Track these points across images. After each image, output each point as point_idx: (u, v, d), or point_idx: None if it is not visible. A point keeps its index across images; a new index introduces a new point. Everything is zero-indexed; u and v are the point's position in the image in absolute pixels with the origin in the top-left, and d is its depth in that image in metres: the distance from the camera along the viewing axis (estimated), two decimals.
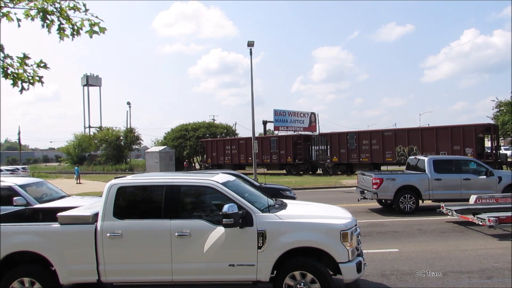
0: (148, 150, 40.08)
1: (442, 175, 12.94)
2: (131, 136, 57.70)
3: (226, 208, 4.87)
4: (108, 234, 5.10)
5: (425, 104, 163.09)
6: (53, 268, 5.19)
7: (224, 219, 4.86)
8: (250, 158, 34.79)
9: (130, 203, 5.39)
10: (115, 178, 5.72)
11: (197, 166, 48.09)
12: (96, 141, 61.38)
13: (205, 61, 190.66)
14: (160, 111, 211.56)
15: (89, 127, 74.13)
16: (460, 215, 10.21)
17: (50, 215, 6.55)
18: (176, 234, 5.05)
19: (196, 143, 45.89)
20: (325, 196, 18.34)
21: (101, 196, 11.65)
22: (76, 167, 35.69)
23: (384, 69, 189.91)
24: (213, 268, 5.03)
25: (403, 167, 17.47)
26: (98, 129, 66.76)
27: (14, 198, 8.74)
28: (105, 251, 5.10)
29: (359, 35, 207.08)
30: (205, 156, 41.38)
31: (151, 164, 36.43)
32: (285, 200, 6.32)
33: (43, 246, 5.11)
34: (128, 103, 61.38)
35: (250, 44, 22.58)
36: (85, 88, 75.69)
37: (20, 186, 9.18)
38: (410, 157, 15.31)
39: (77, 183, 32.49)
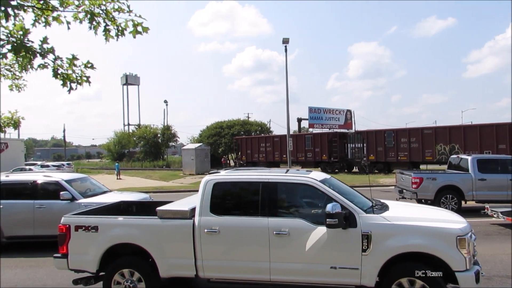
0: (184, 147, 40.40)
1: (486, 175, 12.42)
2: (168, 134, 58.90)
3: (329, 207, 4.66)
4: (205, 230, 5.09)
5: (468, 101, 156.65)
6: (150, 260, 5.29)
7: (327, 219, 4.66)
8: (284, 156, 34.63)
9: (226, 199, 5.35)
10: (209, 173, 5.66)
11: (232, 163, 48.45)
12: (135, 138, 63.13)
13: (240, 59, 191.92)
14: (196, 109, 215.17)
15: (128, 124, 76.48)
16: (506, 217, 9.75)
17: (142, 208, 6.77)
18: (274, 232, 4.93)
19: (231, 141, 46.25)
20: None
21: (139, 192, 11.96)
22: (116, 163, 36.86)
23: (424, 65, 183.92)
24: (313, 270, 4.84)
25: (444, 166, 16.88)
26: (137, 127, 68.81)
27: (61, 193, 9.18)
28: (203, 247, 5.09)
29: (397, 30, 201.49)
30: (239, 153, 41.62)
31: (187, 160, 36.87)
32: (383, 200, 5.99)
33: (144, 239, 5.21)
34: (165, 101, 62.89)
35: (285, 41, 22.48)
36: (125, 87, 78.10)
37: (66, 181, 9.61)
38: (452, 156, 14.77)
39: (117, 178, 33.53)
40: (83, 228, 5.39)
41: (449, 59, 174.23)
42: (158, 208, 5.39)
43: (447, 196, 12.50)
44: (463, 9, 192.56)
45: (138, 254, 5.32)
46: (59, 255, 5.54)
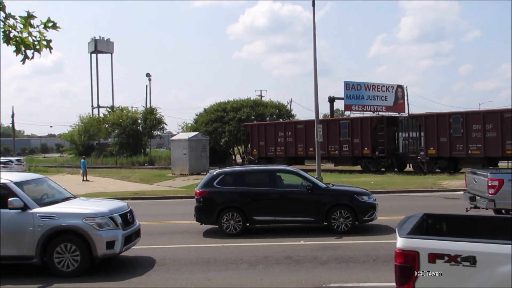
0: (173, 138, 40.18)
1: None
2: (151, 119, 59.24)
3: None
4: None
5: None
6: None
7: None
8: (311, 149, 34.60)
9: None
10: None
11: (239, 160, 48.35)
12: (107, 126, 64.05)
13: (250, 16, 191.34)
14: (190, 85, 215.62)
15: (98, 107, 77.27)
16: None
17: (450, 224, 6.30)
18: None
19: (238, 128, 46.20)
20: (417, 203, 17.96)
21: (113, 198, 11.82)
22: (83, 160, 37.08)
23: (505, 24, 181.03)
24: None
25: None
26: (110, 110, 69.50)
27: (9, 200, 9.23)
28: None
29: None
30: (249, 145, 41.60)
31: (177, 155, 36.51)
32: None
33: None
34: (148, 76, 63.14)
35: None
36: (93, 56, 78.64)
37: (16, 184, 9.69)
38: None
39: (83, 180, 33.85)
40: (447, 258, 4.51)
41: None
42: None
43: None
44: None
45: None
46: None
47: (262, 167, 15.30)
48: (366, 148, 33.95)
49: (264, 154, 39.15)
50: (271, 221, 13.11)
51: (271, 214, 12.89)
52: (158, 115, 60.43)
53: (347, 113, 43.93)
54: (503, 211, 13.15)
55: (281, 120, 46.82)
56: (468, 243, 4.58)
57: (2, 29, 4.96)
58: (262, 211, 12.90)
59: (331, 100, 47.47)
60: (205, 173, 29.94)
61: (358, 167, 35.16)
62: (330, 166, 37.77)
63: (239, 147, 49.41)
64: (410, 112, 42.15)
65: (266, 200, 12.95)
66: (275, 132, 38.81)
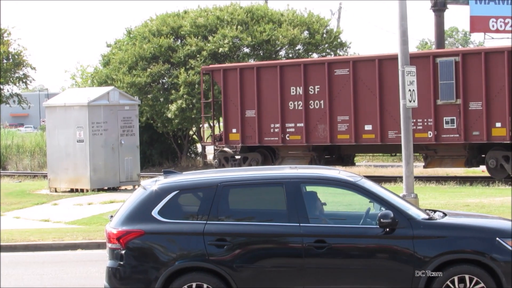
0: (52, 102, 34.54)
1: None
2: None
3: None
4: None
5: None
6: None
7: None
8: (368, 128, 32.10)
9: None
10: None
11: (211, 155, 43.65)
12: None
13: None
14: None
15: None
16: None
17: None
18: None
19: (208, 79, 38.94)
20: None
21: None
22: None
23: None
24: None
25: None
26: None
27: None
28: None
29: None
30: (222, 120, 37.17)
31: (62, 145, 31.63)
32: None
33: None
34: None
35: None
36: None
37: None
38: None
39: None
40: None
41: None
42: None
43: None
44: None
45: None
46: None
47: (266, 172, 11.95)
48: (499, 124, 29.07)
49: (255, 139, 34.94)
50: None
51: (294, 285, 10.18)
52: (14, 46, 53.43)
53: (476, 38, 39.66)
54: None
55: (315, 56, 43.81)
56: None
57: None
58: (273, 280, 10.20)
59: (439, 5, 39.98)
60: (132, 186, 29.85)
61: (481, 169, 32.64)
62: (417, 168, 33.90)
63: (211, 123, 42.43)
64: None
65: (280, 253, 10.11)
66: (281, 86, 33.78)
